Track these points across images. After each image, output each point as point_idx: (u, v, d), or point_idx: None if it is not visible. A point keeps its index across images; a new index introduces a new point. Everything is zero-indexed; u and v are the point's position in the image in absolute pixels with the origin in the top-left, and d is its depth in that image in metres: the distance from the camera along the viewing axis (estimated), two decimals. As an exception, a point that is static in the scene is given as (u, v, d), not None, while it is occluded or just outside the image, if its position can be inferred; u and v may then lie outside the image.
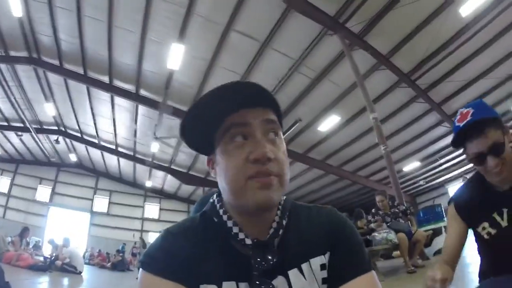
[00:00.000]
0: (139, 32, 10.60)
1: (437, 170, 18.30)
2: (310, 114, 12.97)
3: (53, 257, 9.94)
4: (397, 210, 6.42)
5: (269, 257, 0.81)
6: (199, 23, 9.93)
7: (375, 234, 5.93)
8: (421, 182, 19.93)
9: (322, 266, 0.86)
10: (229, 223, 0.85)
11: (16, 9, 10.04)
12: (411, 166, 17.06)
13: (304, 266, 0.85)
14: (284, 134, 0.90)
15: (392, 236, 5.73)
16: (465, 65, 10.47)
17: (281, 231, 0.86)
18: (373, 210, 6.62)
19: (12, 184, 23.23)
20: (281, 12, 9.20)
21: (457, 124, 1.47)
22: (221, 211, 0.88)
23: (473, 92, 11.48)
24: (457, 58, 10.17)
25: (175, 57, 10.36)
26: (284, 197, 0.94)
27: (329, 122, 13.09)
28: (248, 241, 0.82)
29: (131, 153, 18.98)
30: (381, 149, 8.82)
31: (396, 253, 6.22)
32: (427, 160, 16.78)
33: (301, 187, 19.45)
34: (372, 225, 6.27)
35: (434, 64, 10.27)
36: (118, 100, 13.95)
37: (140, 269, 0.84)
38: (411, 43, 9.71)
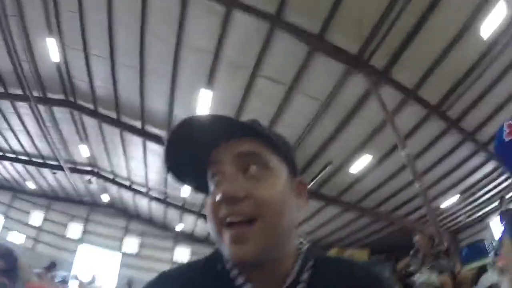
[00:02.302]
0: (169, 78, 11.26)
1: (476, 203, 17.00)
2: (341, 156, 12.84)
3: None
4: (437, 250, 6.04)
5: None
6: (226, 69, 10.45)
7: (416, 277, 5.58)
8: (461, 218, 18.59)
9: None
10: (234, 272, 0.77)
11: (54, 55, 11.28)
12: (449, 201, 15.99)
13: None
14: (315, 177, 0.83)
15: (434, 278, 5.33)
16: (494, 88, 10.00)
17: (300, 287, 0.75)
18: (411, 252, 6.26)
19: (44, 219, 24.79)
20: (306, 54, 9.48)
21: (507, 139, 1.31)
22: (225, 258, 0.79)
23: (506, 115, 10.83)
24: (485, 82, 9.77)
25: (204, 102, 10.86)
26: (306, 245, 0.85)
27: (361, 162, 12.83)
28: None
29: (162, 197, 19.42)
30: (416, 186, 8.49)
31: None
32: (465, 194, 15.71)
33: (335, 231, 18.90)
34: (411, 268, 5.92)
35: (462, 92, 9.93)
36: (150, 144, 14.56)
37: None
38: (436, 73, 9.52)
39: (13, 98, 14.45)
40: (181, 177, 0.84)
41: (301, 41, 9.15)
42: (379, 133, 11.55)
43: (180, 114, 12.42)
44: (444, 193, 15.06)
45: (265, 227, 0.69)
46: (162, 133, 13.56)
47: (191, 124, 0.75)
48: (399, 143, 9.09)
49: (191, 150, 0.78)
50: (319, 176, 12.94)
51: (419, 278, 5.52)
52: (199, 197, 17.43)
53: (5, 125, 16.93)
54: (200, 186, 0.85)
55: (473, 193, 15.68)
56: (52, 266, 10.89)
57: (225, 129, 0.75)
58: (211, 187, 0.77)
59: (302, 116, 11.19)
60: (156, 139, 13.73)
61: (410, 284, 5.59)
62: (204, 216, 14.24)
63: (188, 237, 25.46)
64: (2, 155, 20.32)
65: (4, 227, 23.10)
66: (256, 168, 0.74)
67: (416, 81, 9.92)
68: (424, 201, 8.56)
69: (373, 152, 12.42)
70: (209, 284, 0.78)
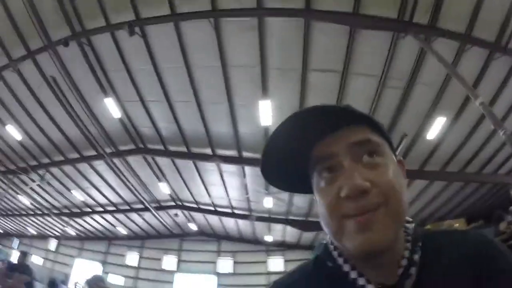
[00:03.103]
0: (226, 101, 11.65)
1: None
2: (414, 125, 12.29)
3: None
4: None
5: None
6: (276, 75, 10.61)
7: None
8: None
9: None
10: (346, 267, 0.76)
11: (115, 111, 12.26)
12: None
13: None
14: (394, 154, 0.83)
15: None
16: None
17: (414, 270, 0.73)
18: (511, 208, 5.79)
19: (140, 258, 27.26)
20: (348, 36, 9.33)
21: None
22: (335, 254, 0.80)
23: None
24: None
25: (265, 113, 11.07)
26: (412, 224, 0.83)
27: (436, 126, 12.08)
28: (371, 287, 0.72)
29: (247, 213, 19.88)
30: (500, 134, 7.92)
31: None
32: None
33: (426, 206, 18.03)
34: None
35: None
36: (224, 166, 15.06)
37: None
38: (484, 8, 8.74)
39: (89, 159, 15.87)
40: (278, 184, 0.85)
41: (338, 23, 9.03)
42: (446, 90, 10.92)
43: (245, 130, 12.75)
44: None
45: (389, 211, 0.68)
46: (233, 153, 13.96)
47: (285, 127, 0.74)
48: (470, 93, 8.52)
49: (288, 153, 0.77)
50: (398, 150, 12.51)
51: None
52: (283, 205, 17.73)
53: (87, 184, 18.52)
54: (298, 188, 0.86)
55: None
56: None
57: (327, 120, 0.74)
58: (321, 183, 0.75)
59: (364, 96, 10.94)
60: (229, 160, 14.13)
61: None
62: (290, 222, 14.45)
63: (280, 246, 25.82)
64: (91, 211, 22.08)
65: (103, 272, 25.23)
66: (373, 156, 0.73)
67: (466, 23, 9.26)
68: None
69: (445, 112, 11.75)
70: (324, 283, 0.79)
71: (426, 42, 9.08)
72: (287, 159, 0.78)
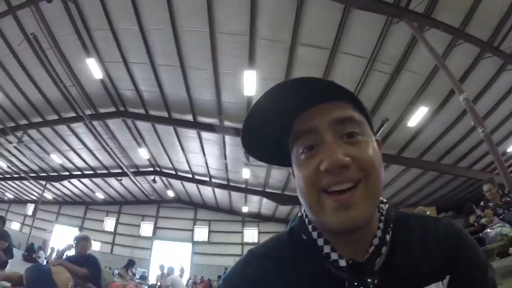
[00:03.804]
0: (211, 68, 11.43)
1: None
2: (397, 111, 12.47)
3: (157, 286, 10.84)
4: (509, 199, 5.73)
5: (369, 281, 0.70)
6: (264, 45, 10.41)
7: (488, 230, 5.33)
8: None
9: None
10: (320, 241, 0.77)
11: (96, 72, 11.82)
12: None
13: None
14: (381, 143, 0.84)
15: (507, 229, 5.08)
16: None
17: (384, 249, 0.75)
18: (481, 203, 5.98)
19: (117, 223, 27.44)
20: (341, 14, 9.23)
21: None
22: (310, 227, 0.80)
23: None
24: None
25: (250, 83, 10.91)
26: (386, 205, 0.83)
27: (418, 115, 12.30)
28: (343, 263, 0.72)
29: (225, 182, 19.96)
30: (479, 132, 8.13)
31: None
32: None
33: (399, 191, 18.52)
34: (483, 220, 5.70)
35: None
36: (205, 134, 14.97)
37: None
38: (481, 6, 8.84)
39: (68, 121, 15.45)
40: (257, 154, 0.84)
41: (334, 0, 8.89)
42: (433, 81, 11.05)
43: (228, 99, 12.63)
44: (509, 136, 14.29)
45: (369, 187, 0.68)
46: (214, 121, 13.87)
47: (269, 96, 0.73)
48: (455, 87, 8.59)
49: (269, 124, 0.76)
50: (377, 135, 12.61)
51: (491, 231, 5.33)
52: (260, 177, 17.85)
53: (66, 147, 18.17)
54: (277, 160, 0.85)
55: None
56: (130, 264, 11.59)
57: (311, 92, 0.73)
58: (301, 156, 0.74)
59: (350, 77, 10.95)
60: (210, 128, 14.05)
61: (482, 238, 5.32)
62: (267, 194, 14.60)
63: (255, 217, 26.16)
64: (69, 175, 21.77)
65: (81, 237, 25.11)
66: (354, 134, 0.72)
67: (462, 18, 9.33)
68: (489, 146, 8.10)
69: (428, 102, 11.92)
70: (297, 255, 0.79)
71: (419, 30, 9.06)
72: (268, 130, 0.77)
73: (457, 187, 18.97)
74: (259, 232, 26.23)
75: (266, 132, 0.77)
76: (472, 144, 14.20)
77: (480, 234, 5.43)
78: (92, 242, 5.63)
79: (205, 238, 26.64)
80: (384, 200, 0.83)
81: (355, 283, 0.70)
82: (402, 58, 10.40)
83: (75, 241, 5.32)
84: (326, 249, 0.74)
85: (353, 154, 0.68)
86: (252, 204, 23.54)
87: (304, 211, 0.81)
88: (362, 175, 0.68)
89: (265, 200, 20.89)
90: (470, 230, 6.02)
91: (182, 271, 11.37)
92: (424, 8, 9.03)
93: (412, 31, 9.07)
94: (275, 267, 0.79)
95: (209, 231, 26.74)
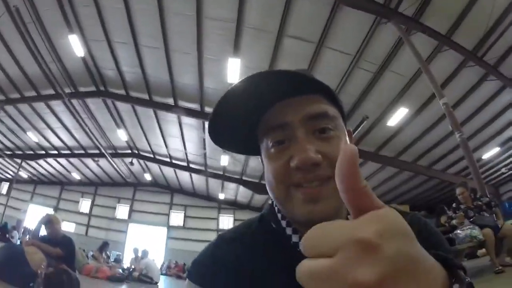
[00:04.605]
0: (195, 52, 11.31)
1: None
2: (377, 110, 12.69)
3: (131, 269, 10.82)
4: (480, 203, 5.93)
5: None
6: (251, 34, 10.37)
7: (458, 231, 5.54)
8: (503, 170, 18.11)
9: None
10: (288, 231, 0.77)
11: (78, 50, 11.44)
12: (490, 153, 15.54)
13: None
14: (353, 133, 0.83)
15: (476, 232, 5.29)
16: None
17: None
18: (453, 205, 6.19)
19: (92, 205, 26.98)
20: (330, 9, 9.27)
21: None
22: (279, 215, 0.80)
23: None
24: None
25: (233, 71, 10.85)
26: None
27: (398, 116, 12.61)
28: None
29: (202, 168, 19.91)
30: (456, 136, 8.37)
31: (481, 251, 5.82)
32: (507, 144, 15.35)
33: (374, 188, 18.86)
34: (454, 222, 5.88)
35: (499, 35, 9.50)
36: (185, 119, 14.84)
37: (187, 279, 0.82)
38: (470, 16, 9.08)
39: (47, 98, 14.98)
40: (224, 144, 0.83)
41: None
42: (415, 83, 11.29)
43: (210, 85, 12.54)
44: (485, 143, 14.67)
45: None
46: (195, 106, 13.77)
47: (241, 87, 0.70)
48: (436, 92, 8.79)
49: (239, 115, 0.74)
50: (356, 131, 12.84)
51: (461, 232, 5.51)
52: (238, 164, 17.89)
53: (43, 125, 17.65)
54: (244, 149, 0.85)
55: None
56: (104, 246, 11.48)
57: (284, 84, 0.70)
58: (271, 149, 0.73)
59: (334, 72, 11.02)
60: (190, 113, 13.95)
61: (452, 239, 5.50)
62: (244, 182, 14.66)
63: (231, 205, 26.23)
64: (45, 153, 21.28)
65: (55, 217, 24.59)
66: (327, 130, 0.71)
67: (449, 26, 9.53)
68: (465, 152, 8.36)
69: (409, 103, 12.19)
70: (266, 242, 0.79)
71: (406, 33, 9.18)
72: (237, 120, 0.75)
73: (431, 188, 19.55)
74: (235, 220, 26.28)
75: (235, 122, 0.75)
76: (448, 148, 14.67)
77: (450, 235, 5.61)
78: (67, 223, 5.50)
79: (181, 223, 26.53)
80: None
81: None
82: (387, 58, 10.56)
83: (43, 223, 5.23)
84: (295, 238, 0.75)
85: (325, 151, 0.68)
86: (228, 191, 23.57)
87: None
88: (333, 172, 0.67)
89: (241, 188, 20.94)
90: (441, 230, 6.20)
91: (144, 253, 11.33)
92: (413, 11, 9.17)
93: (399, 33, 9.20)
94: (245, 252, 0.79)
95: (185, 216, 26.61)
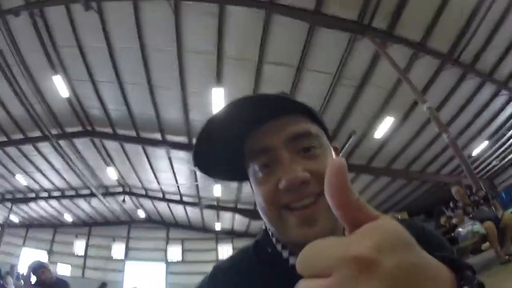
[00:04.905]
0: (178, 86, 11.45)
1: (507, 145, 16.77)
2: (363, 124, 12.83)
3: None
4: (477, 198, 5.98)
5: None
6: (232, 64, 10.57)
7: (459, 229, 5.55)
8: (495, 162, 18.30)
9: None
10: (285, 254, 0.75)
11: (63, 91, 11.57)
12: (479, 148, 15.80)
13: None
14: (341, 149, 0.76)
15: (478, 227, 5.31)
16: (501, 26, 9.88)
17: None
18: (451, 204, 6.18)
19: (87, 246, 26.20)
20: (306, 32, 9.51)
21: None
22: (274, 239, 0.79)
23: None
24: (491, 21, 9.67)
25: (218, 101, 10.90)
26: None
27: (384, 126, 12.74)
28: None
29: (196, 200, 19.76)
30: (444, 137, 8.46)
31: (485, 245, 5.69)
32: (494, 137, 15.57)
33: (370, 200, 18.73)
34: (454, 221, 5.87)
35: (471, 35, 9.86)
36: (174, 153, 14.80)
37: None
38: (441, 22, 9.41)
39: (34, 141, 14.94)
40: (211, 173, 0.81)
41: (299, 19, 9.17)
42: (396, 93, 11.49)
43: (196, 117, 12.59)
44: (473, 140, 14.93)
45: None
46: (183, 139, 13.78)
47: (221, 116, 0.70)
48: (418, 98, 9.07)
49: (222, 142, 0.73)
50: (345, 147, 12.93)
51: (462, 230, 5.50)
52: (232, 193, 17.78)
53: (31, 168, 17.52)
54: (233, 176, 0.83)
55: (503, 135, 15.50)
56: (103, 287, 11.25)
57: (263, 108, 0.70)
58: (258, 174, 0.72)
59: (316, 93, 11.17)
60: (178, 146, 13.95)
61: (455, 237, 5.52)
62: (239, 210, 14.56)
63: (229, 234, 25.90)
64: (35, 196, 21.04)
65: (50, 262, 23.89)
66: (311, 149, 0.71)
67: (422, 33, 9.84)
68: (455, 151, 8.49)
69: (394, 113, 12.34)
70: (263, 267, 0.78)
71: (382, 46, 9.47)
72: (221, 148, 0.74)
73: (426, 191, 19.51)
74: (233, 248, 25.87)
75: (219, 149, 0.74)
76: (438, 150, 14.77)
77: (452, 234, 5.59)
78: (62, 265, 5.39)
79: (179, 257, 26.02)
80: None
81: None
82: (367, 73, 10.79)
83: (32, 271, 5.06)
84: (292, 260, 0.73)
85: (312, 169, 0.68)
86: (225, 220, 23.27)
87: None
88: (322, 189, 0.66)
89: (237, 216, 20.77)
90: (442, 230, 6.18)
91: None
92: (386, 25, 9.46)
93: (376, 47, 9.48)
94: (243, 279, 0.77)
95: (183, 250, 26.12)
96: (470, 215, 5.72)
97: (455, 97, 12.08)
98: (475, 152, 15.86)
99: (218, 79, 10.79)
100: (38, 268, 5.06)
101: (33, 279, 5.11)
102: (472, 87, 12.02)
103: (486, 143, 15.68)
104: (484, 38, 10.26)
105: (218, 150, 0.75)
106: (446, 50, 10.42)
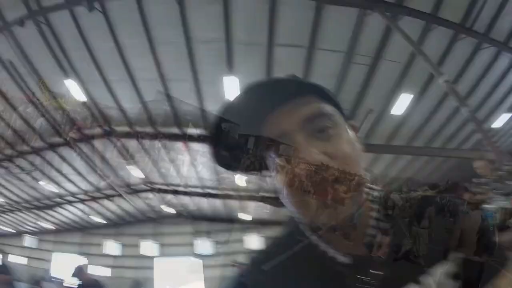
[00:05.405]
0: (190, 77, 11.47)
1: None
2: (380, 102, 12.56)
3: None
4: (501, 172, 5.79)
5: (373, 273, 0.67)
6: (242, 51, 10.51)
7: (485, 206, 5.38)
8: None
9: (452, 276, 0.68)
10: (314, 240, 0.77)
11: (77, 94, 11.96)
12: (501, 120, 15.30)
13: (425, 279, 0.69)
14: (359, 129, 0.81)
15: (504, 202, 5.12)
16: None
17: (380, 237, 0.71)
18: (474, 180, 6.01)
19: (116, 245, 26.86)
20: (315, 11, 9.34)
21: None
22: (302, 226, 0.80)
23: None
24: None
25: (231, 89, 10.89)
26: (376, 192, 0.79)
27: (401, 102, 12.49)
28: (341, 258, 0.71)
29: (220, 192, 19.87)
30: (463, 112, 8.21)
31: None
32: None
33: (392, 181, 18.44)
34: (478, 197, 5.72)
35: (483, 2, 9.48)
36: (193, 145, 14.79)
37: None
38: None
39: (54, 146, 15.28)
40: (230, 166, 0.82)
41: None
42: (411, 67, 11.19)
43: (212, 108, 12.54)
44: (493, 112, 14.45)
45: (349, 182, 0.66)
46: (200, 131, 13.79)
47: (233, 106, 0.72)
48: (434, 72, 8.82)
49: (237, 133, 0.73)
50: (362, 126, 12.69)
51: (489, 206, 5.31)
52: (255, 181, 17.79)
53: (54, 173, 17.87)
54: (251, 166, 0.81)
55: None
56: (136, 286, 11.45)
57: (274, 92, 0.71)
58: (277, 160, 0.72)
59: (329, 73, 10.98)
60: (197, 139, 14.00)
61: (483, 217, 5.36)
62: (266, 199, 14.60)
63: (256, 223, 25.98)
64: (63, 201, 21.60)
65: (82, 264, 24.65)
66: (326, 130, 0.71)
67: (433, 3, 9.53)
68: (476, 124, 8.24)
69: (410, 89, 12.07)
70: (296, 256, 0.77)
71: (392, 20, 9.25)
72: (236, 138, 0.74)
73: (452, 167, 19.05)
74: (262, 237, 25.97)
75: (234, 142, 0.74)
76: (458, 125, 14.34)
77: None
78: (94, 267, 5.60)
79: (209, 251, 26.19)
80: (374, 187, 0.81)
81: (359, 276, 0.67)
82: (380, 48, 10.53)
83: (74, 273, 5.26)
84: (322, 246, 0.75)
85: (329, 151, 0.68)
86: (250, 210, 23.45)
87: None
88: (341, 170, 0.66)
89: (262, 205, 20.80)
90: (470, 207, 6.03)
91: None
92: (395, -3, 9.16)
93: (386, 21, 9.24)
94: (277, 270, 0.77)
95: (212, 243, 26.36)
96: (496, 190, 5.52)
97: (472, 67, 11.68)
98: (496, 125, 15.36)
99: (230, 66, 10.74)
100: (79, 272, 5.22)
101: (75, 281, 5.30)
102: (488, 57, 11.56)
103: (508, 115, 15.13)
104: (497, 4, 9.83)
105: (234, 142, 0.74)
106: (458, 19, 10.07)
